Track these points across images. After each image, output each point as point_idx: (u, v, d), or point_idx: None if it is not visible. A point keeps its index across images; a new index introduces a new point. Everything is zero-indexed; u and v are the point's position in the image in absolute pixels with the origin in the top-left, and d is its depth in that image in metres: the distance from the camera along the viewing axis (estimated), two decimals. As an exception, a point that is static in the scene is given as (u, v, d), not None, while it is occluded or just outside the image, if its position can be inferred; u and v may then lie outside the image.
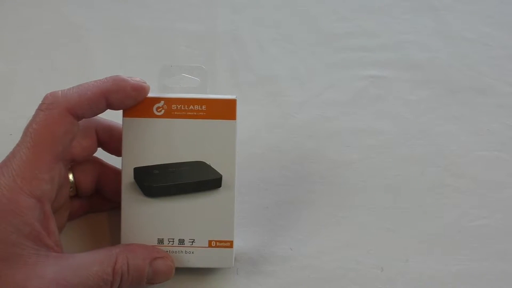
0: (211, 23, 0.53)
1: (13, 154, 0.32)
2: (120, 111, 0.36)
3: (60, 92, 0.33)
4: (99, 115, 0.36)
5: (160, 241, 0.36)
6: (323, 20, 0.54)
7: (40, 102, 0.33)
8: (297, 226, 0.41)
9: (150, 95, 0.36)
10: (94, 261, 0.32)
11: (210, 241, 0.36)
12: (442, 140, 0.46)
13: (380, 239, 0.41)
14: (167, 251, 0.36)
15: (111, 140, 0.38)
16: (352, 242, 0.41)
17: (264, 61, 0.50)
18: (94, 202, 0.40)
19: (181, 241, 0.36)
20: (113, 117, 0.38)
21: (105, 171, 0.38)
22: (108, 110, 0.35)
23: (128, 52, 0.50)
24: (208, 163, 0.36)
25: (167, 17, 0.53)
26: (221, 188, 0.36)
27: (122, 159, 0.36)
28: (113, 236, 0.39)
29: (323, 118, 0.47)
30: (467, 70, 0.51)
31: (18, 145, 0.32)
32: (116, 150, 0.38)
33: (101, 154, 0.39)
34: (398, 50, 0.52)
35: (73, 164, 0.37)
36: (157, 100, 0.36)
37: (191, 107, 0.36)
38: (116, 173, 0.38)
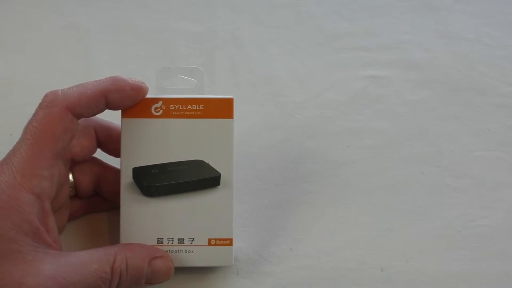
0: (211, 23, 0.53)
1: (13, 152, 0.32)
2: (119, 113, 0.36)
3: (60, 91, 0.33)
4: (98, 116, 0.36)
5: (160, 240, 0.36)
6: (323, 20, 0.54)
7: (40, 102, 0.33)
8: (297, 226, 0.41)
9: (148, 96, 0.36)
10: (92, 259, 0.31)
11: (209, 240, 0.36)
12: (442, 140, 0.46)
13: (380, 239, 0.41)
14: (166, 251, 0.35)
15: (110, 141, 0.38)
16: (352, 242, 0.41)
17: (264, 61, 0.50)
18: (94, 202, 0.40)
19: (181, 240, 0.36)
20: (111, 118, 0.38)
21: (104, 171, 0.39)
22: (107, 111, 0.35)
23: (128, 52, 0.50)
24: (206, 161, 0.36)
25: (167, 17, 0.53)
26: (219, 186, 0.36)
27: (121, 159, 0.36)
28: (112, 236, 0.39)
29: (323, 118, 0.47)
30: (467, 70, 0.51)
31: (18, 142, 0.32)
32: (114, 150, 0.38)
33: (100, 155, 0.39)
34: (398, 50, 0.52)
35: (72, 164, 0.37)
36: (155, 100, 0.36)
37: (189, 107, 0.36)
38: (115, 174, 0.38)
